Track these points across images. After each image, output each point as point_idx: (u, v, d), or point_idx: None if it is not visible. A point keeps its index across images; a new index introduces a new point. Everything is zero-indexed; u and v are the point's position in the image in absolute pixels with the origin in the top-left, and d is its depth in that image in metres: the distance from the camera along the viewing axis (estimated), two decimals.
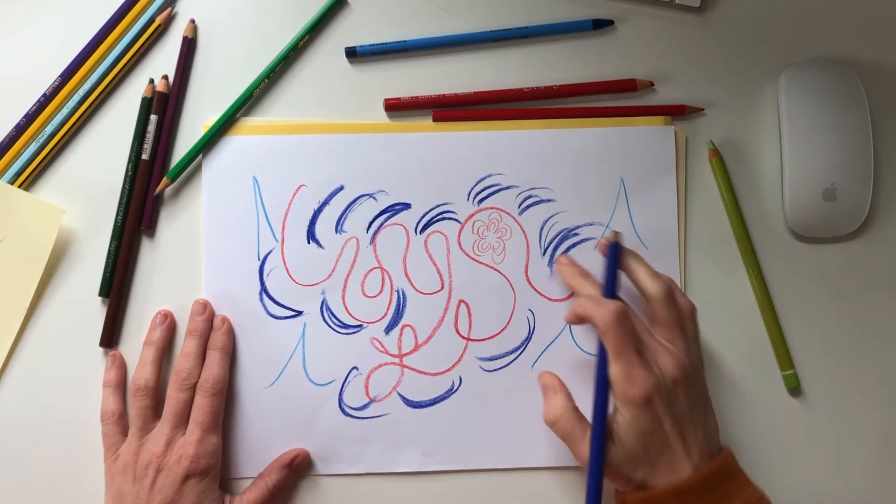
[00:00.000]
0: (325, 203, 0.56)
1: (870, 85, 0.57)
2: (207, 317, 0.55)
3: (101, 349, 0.55)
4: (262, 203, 0.56)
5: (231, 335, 0.55)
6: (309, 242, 0.56)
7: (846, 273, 0.57)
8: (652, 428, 0.47)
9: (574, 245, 0.57)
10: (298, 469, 0.55)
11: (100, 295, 0.55)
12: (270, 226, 0.56)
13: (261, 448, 0.55)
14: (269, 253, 0.56)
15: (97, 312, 0.55)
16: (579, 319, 0.50)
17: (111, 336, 0.55)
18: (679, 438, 0.47)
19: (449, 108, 0.57)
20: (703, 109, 0.58)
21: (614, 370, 0.47)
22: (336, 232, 0.56)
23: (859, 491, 0.56)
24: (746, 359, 0.57)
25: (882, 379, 0.57)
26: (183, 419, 0.52)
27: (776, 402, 0.57)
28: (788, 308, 0.57)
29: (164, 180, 0.56)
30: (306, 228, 0.56)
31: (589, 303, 0.49)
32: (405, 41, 0.57)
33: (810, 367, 0.57)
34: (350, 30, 0.58)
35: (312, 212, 0.56)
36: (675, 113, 0.57)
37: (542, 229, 0.57)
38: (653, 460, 0.47)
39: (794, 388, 0.56)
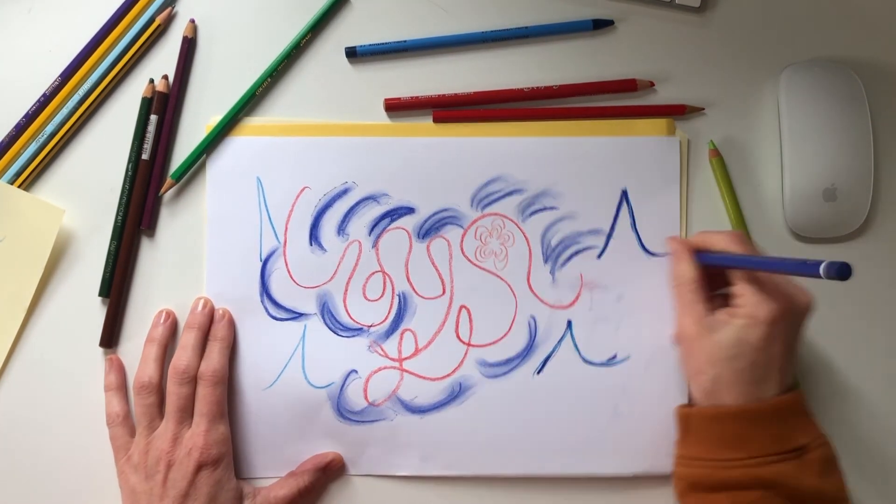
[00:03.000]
0: (328, 206, 0.56)
1: (870, 85, 0.57)
2: (207, 311, 0.55)
3: (101, 349, 0.55)
4: (266, 204, 0.56)
5: (232, 327, 0.55)
6: (311, 245, 0.56)
7: None
8: (762, 344, 0.47)
9: (577, 253, 0.56)
10: (332, 474, 0.55)
11: (100, 295, 0.55)
12: (273, 227, 0.56)
13: (258, 449, 0.55)
14: (271, 255, 0.56)
15: (97, 312, 0.55)
16: (702, 243, 0.52)
17: (111, 336, 0.55)
18: (780, 365, 0.48)
19: (449, 109, 0.57)
20: (703, 109, 0.58)
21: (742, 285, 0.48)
22: (338, 235, 0.56)
23: (859, 491, 0.56)
24: None
25: (883, 379, 0.57)
26: (187, 413, 0.52)
27: None
28: None
29: (169, 181, 0.56)
30: (309, 231, 0.56)
31: (706, 232, 0.52)
32: (405, 41, 0.57)
33: (810, 367, 0.57)
34: (350, 29, 0.58)
35: (315, 214, 0.56)
36: (675, 113, 0.57)
37: (544, 237, 0.57)
38: (736, 370, 0.47)
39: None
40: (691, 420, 0.49)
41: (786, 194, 0.56)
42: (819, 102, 0.56)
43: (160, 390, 0.53)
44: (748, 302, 0.48)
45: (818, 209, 0.56)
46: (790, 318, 0.48)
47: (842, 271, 0.40)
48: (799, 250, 0.57)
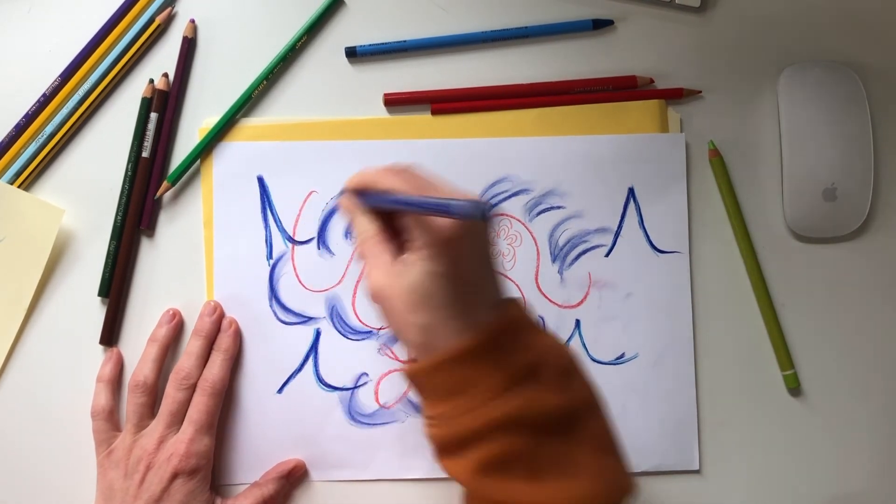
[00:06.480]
0: (336, 209, 0.56)
1: (870, 85, 0.57)
2: (216, 318, 0.55)
3: (100, 349, 0.55)
4: (273, 209, 0.56)
5: (238, 338, 0.55)
6: (319, 248, 0.56)
7: (846, 273, 0.57)
8: (452, 269, 0.41)
9: (585, 252, 0.56)
10: (295, 480, 0.55)
11: (99, 295, 0.55)
12: (281, 231, 0.56)
13: (267, 454, 0.55)
14: (279, 259, 0.56)
15: (97, 312, 0.55)
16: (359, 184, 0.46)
17: (111, 336, 0.55)
18: (480, 284, 0.43)
19: (447, 102, 0.57)
20: (700, 92, 0.58)
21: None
22: (346, 238, 0.56)
23: (859, 491, 0.56)
24: (746, 359, 0.57)
25: (882, 379, 0.57)
26: (178, 418, 0.52)
27: (776, 402, 0.57)
28: (788, 308, 0.57)
29: (165, 184, 0.56)
30: (317, 235, 0.56)
31: (366, 171, 0.45)
32: (405, 41, 0.57)
33: (810, 367, 0.57)
34: (350, 29, 0.58)
35: (323, 218, 0.56)
36: (673, 96, 0.57)
37: (551, 236, 0.57)
38: (438, 309, 0.41)
39: (794, 388, 0.56)
40: (418, 378, 0.43)
41: (786, 194, 0.56)
42: (819, 102, 0.56)
43: (154, 391, 0.53)
44: (419, 233, 0.42)
45: (818, 209, 0.56)
46: (468, 232, 0.42)
47: (479, 209, 0.36)
48: (799, 250, 0.57)
